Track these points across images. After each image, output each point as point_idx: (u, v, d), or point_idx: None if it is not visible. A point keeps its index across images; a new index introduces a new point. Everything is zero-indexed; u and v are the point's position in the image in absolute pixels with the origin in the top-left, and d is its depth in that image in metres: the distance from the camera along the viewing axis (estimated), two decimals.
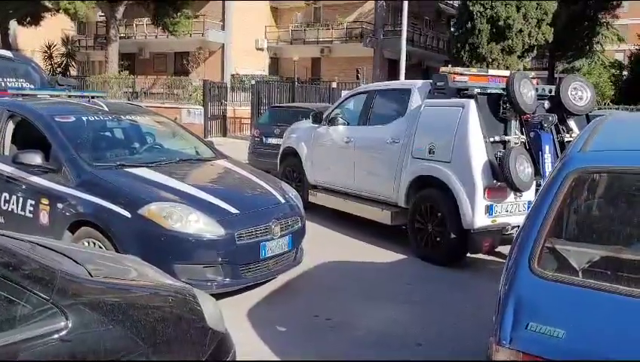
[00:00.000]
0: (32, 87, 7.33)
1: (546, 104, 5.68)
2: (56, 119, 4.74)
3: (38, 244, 2.45)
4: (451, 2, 31.11)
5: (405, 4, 17.67)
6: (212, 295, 2.81)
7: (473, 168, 5.27)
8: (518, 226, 5.43)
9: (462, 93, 5.72)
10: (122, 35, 26.09)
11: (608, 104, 21.21)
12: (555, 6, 20.63)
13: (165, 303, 2.34)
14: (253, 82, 20.55)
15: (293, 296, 4.66)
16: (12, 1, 22.21)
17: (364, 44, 27.41)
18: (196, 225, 4.03)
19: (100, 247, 4.03)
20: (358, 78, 23.64)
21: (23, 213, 4.53)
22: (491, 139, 5.38)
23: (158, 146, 5.57)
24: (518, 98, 5.28)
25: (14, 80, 7.45)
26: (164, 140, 5.69)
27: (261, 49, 30.21)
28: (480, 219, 5.28)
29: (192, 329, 2.29)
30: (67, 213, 4.27)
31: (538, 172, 5.36)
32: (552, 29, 20.83)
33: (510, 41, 20.21)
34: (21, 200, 4.56)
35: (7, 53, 8.30)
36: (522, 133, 5.56)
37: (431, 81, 6.14)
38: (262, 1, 29.42)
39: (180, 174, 4.72)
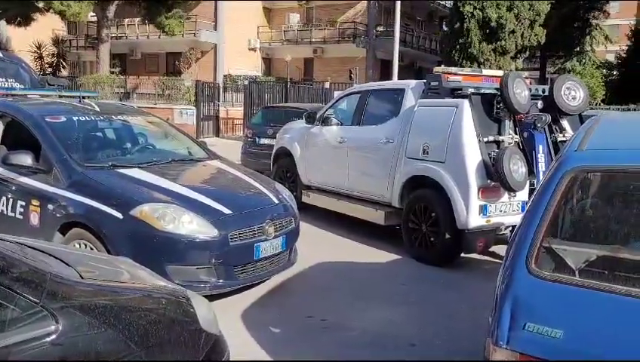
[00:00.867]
0: (22, 87, 7.25)
1: (540, 104, 5.70)
2: (47, 119, 4.69)
3: (27, 246, 2.41)
4: (443, 2, 31.21)
5: (398, 5, 17.69)
6: (206, 296, 2.78)
7: (467, 168, 5.27)
8: (512, 226, 5.50)
9: (455, 93, 5.72)
10: (113, 35, 25.95)
11: (599, 104, 21.37)
12: (547, 7, 20.74)
13: (158, 305, 2.31)
14: (245, 83, 20.51)
15: (288, 297, 4.64)
16: (1, 2, 22.00)
17: (356, 44, 27.43)
18: (189, 226, 4.00)
19: (91, 249, 3.99)
20: (351, 78, 23.59)
21: (13, 215, 4.47)
22: (485, 139, 5.38)
23: (150, 147, 5.52)
24: (511, 98, 5.29)
25: (4, 80, 7.35)
26: (156, 141, 5.64)
27: (254, 49, 30.17)
28: (474, 219, 5.28)
29: (185, 332, 2.26)
30: (58, 214, 4.22)
31: (532, 172, 5.37)
32: (545, 30, 20.94)
33: (503, 41, 20.29)
34: (11, 201, 4.50)
35: None
36: (516, 133, 5.57)
37: (424, 81, 6.15)
38: (254, 0, 29.36)
39: (173, 175, 4.68)
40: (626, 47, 27.35)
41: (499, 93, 5.43)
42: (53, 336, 1.81)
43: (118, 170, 4.48)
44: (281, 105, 14.59)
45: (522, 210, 5.47)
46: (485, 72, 6.42)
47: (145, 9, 23.29)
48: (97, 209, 4.02)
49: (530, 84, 6.09)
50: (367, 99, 6.86)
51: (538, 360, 1.83)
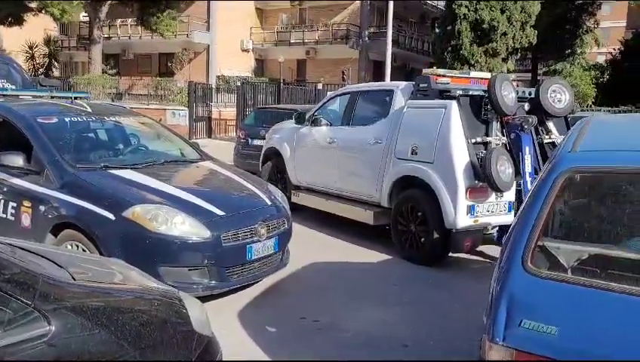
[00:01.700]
0: (14, 87, 7.22)
1: (526, 106, 5.76)
2: (39, 120, 4.68)
3: (19, 247, 2.42)
4: (436, 4, 31.32)
5: (390, 6, 17.76)
6: (198, 298, 2.80)
7: (455, 169, 5.32)
8: (499, 226, 5.55)
9: (444, 94, 5.77)
10: (106, 35, 25.83)
11: (590, 106, 21.53)
12: (538, 8, 20.87)
13: (150, 307, 2.32)
14: (238, 83, 20.47)
15: (280, 298, 4.66)
16: None
17: (349, 45, 27.49)
18: (182, 227, 4.01)
19: (84, 250, 3.99)
20: (344, 79, 23.65)
21: (4, 216, 4.46)
22: (473, 140, 5.44)
23: (142, 148, 5.52)
24: (499, 100, 5.35)
25: None
26: (148, 142, 5.64)
27: (246, 50, 30.13)
28: (462, 219, 5.33)
29: (177, 333, 2.27)
30: (49, 216, 4.21)
31: (518, 172, 5.43)
32: (536, 32, 21.07)
33: (494, 43, 20.40)
34: (2, 202, 4.49)
35: None
36: (503, 135, 5.63)
37: (414, 82, 6.20)
38: (247, 1, 29.33)
39: (165, 176, 4.68)
40: (618, 50, 27.59)
41: (486, 95, 5.50)
42: (46, 338, 1.81)
43: (110, 171, 4.47)
44: (273, 106, 14.59)
45: (509, 210, 5.54)
46: (473, 74, 6.48)
47: (137, 10, 23.20)
48: (89, 210, 4.02)
49: (517, 86, 6.16)
50: (356, 100, 6.90)
51: (534, 356, 1.86)
